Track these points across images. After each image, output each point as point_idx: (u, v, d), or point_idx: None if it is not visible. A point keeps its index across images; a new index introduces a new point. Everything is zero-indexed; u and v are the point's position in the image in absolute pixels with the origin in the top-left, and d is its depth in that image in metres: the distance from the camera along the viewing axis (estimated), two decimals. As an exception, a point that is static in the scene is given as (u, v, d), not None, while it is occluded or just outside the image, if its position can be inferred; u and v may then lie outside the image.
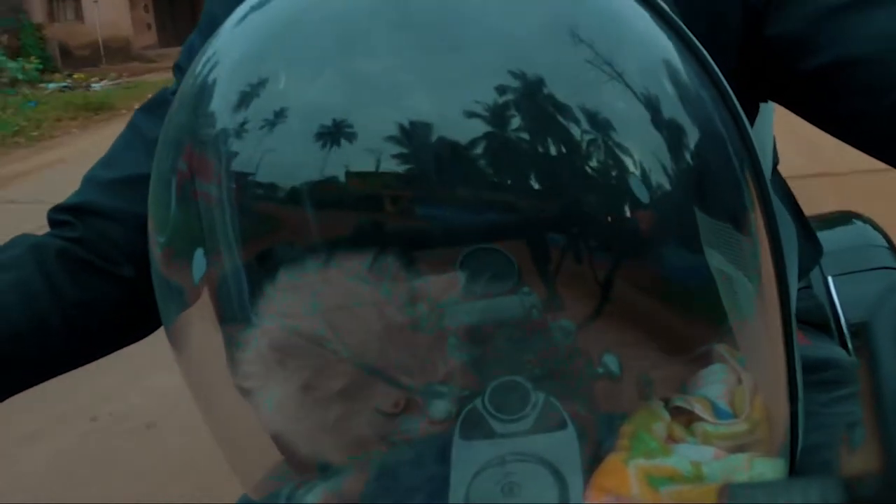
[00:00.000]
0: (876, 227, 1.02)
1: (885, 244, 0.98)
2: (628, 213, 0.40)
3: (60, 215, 0.64)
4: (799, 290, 0.84)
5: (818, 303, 0.77)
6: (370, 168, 0.38)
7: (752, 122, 0.59)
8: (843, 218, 1.05)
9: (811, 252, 0.75)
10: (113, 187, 0.64)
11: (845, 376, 0.67)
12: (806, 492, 0.22)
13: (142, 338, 0.66)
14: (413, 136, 0.38)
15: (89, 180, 0.66)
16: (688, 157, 0.40)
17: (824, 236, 0.98)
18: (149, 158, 0.47)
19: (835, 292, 0.90)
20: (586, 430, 0.39)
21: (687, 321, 0.43)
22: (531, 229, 0.39)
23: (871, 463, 0.18)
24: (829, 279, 0.91)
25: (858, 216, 1.05)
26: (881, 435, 0.18)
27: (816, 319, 0.76)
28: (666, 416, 0.40)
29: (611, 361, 0.41)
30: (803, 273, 0.75)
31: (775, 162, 0.72)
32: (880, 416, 0.18)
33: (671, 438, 0.39)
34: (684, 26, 0.41)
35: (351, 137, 0.39)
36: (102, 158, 0.68)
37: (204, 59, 0.44)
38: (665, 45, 0.41)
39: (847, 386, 0.65)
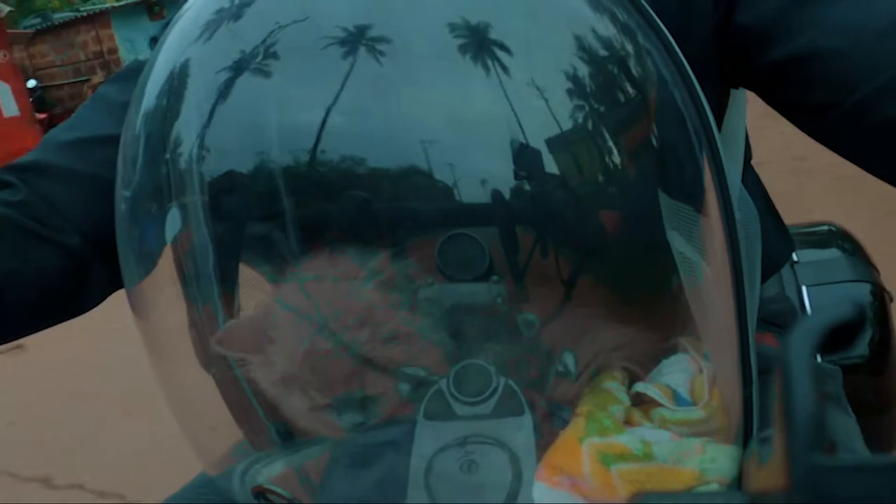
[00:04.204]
0: (852, 239, 1.03)
1: (860, 256, 0.99)
2: (594, 200, 0.41)
3: (6, 175, 0.60)
4: (772, 295, 0.84)
5: (791, 306, 0.78)
6: (346, 152, 0.39)
7: (723, 109, 0.59)
8: (821, 229, 1.06)
9: (783, 246, 0.75)
10: (72, 147, 0.61)
11: None
12: None
13: (86, 310, 0.62)
14: (391, 126, 0.39)
15: (47, 140, 0.62)
16: (652, 141, 0.40)
17: (802, 246, 0.99)
18: (114, 120, 0.46)
19: (808, 302, 0.90)
20: (542, 417, 0.40)
21: (652, 308, 0.43)
22: (498, 217, 0.40)
23: (777, 480, 0.19)
24: (804, 288, 0.92)
25: (836, 227, 1.06)
26: (788, 453, 0.18)
27: (789, 323, 0.76)
28: (625, 399, 0.40)
29: (569, 358, 0.42)
30: (775, 266, 0.75)
31: (749, 156, 0.72)
32: (789, 434, 0.18)
33: (629, 423, 0.40)
34: (648, 7, 0.42)
35: (328, 118, 0.39)
36: (65, 122, 0.65)
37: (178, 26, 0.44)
38: (627, 25, 0.41)
39: None
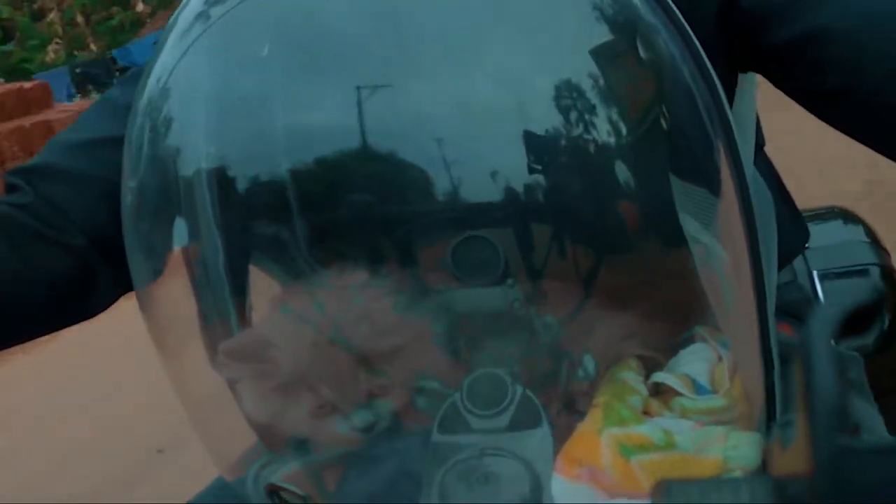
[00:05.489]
0: (862, 224, 1.02)
1: (870, 241, 0.98)
2: (609, 190, 0.40)
3: (13, 178, 0.59)
4: (786, 283, 0.83)
5: (805, 295, 0.77)
6: (353, 155, 0.38)
7: (732, 94, 0.58)
8: (831, 214, 1.05)
9: (798, 235, 0.74)
10: (77, 149, 0.60)
11: None
12: (737, 491, 0.23)
13: (93, 314, 0.61)
14: (402, 128, 0.38)
15: (53, 143, 0.63)
16: (663, 124, 0.40)
17: (812, 232, 0.98)
18: (118, 122, 0.46)
19: (819, 288, 0.90)
20: (560, 425, 0.39)
21: (667, 294, 0.42)
22: (513, 216, 0.39)
23: (801, 464, 0.19)
24: (815, 274, 0.91)
25: (846, 212, 1.05)
26: (811, 437, 0.18)
27: (804, 312, 0.75)
28: (643, 390, 0.39)
29: (589, 362, 0.41)
30: (791, 255, 0.74)
31: (761, 143, 0.71)
32: (811, 417, 0.18)
33: (647, 413, 0.39)
34: None
35: (336, 124, 0.39)
36: (71, 125, 0.64)
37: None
38: (640, 10, 0.41)
39: None
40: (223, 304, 0.44)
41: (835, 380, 0.18)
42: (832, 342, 0.19)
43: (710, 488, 0.23)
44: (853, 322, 0.21)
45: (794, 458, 0.20)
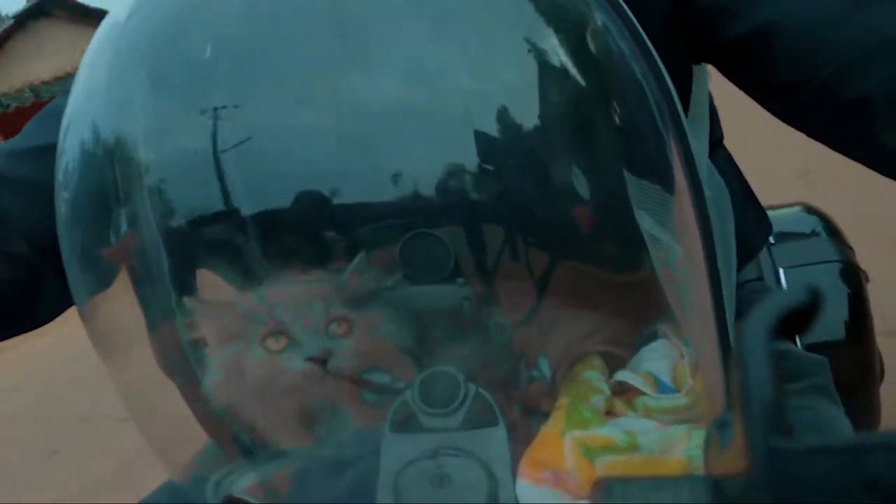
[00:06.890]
0: (826, 219, 1.03)
1: (834, 237, 0.99)
2: (563, 188, 0.39)
3: None
4: (752, 280, 0.84)
5: None
6: (300, 149, 0.38)
7: (687, 86, 0.58)
8: (796, 210, 1.06)
9: (761, 230, 0.74)
10: (20, 156, 0.59)
11: (798, 369, 0.66)
12: (677, 491, 0.23)
13: (41, 323, 0.59)
14: (347, 120, 0.37)
15: None
16: (615, 119, 0.39)
17: (777, 227, 0.99)
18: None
19: (785, 283, 0.90)
20: (518, 425, 0.38)
21: (625, 291, 0.42)
22: (463, 214, 0.38)
23: (738, 464, 0.19)
24: (781, 270, 0.92)
25: (810, 208, 1.06)
26: (747, 436, 0.18)
27: None
28: (605, 389, 0.39)
29: (543, 361, 0.40)
30: (753, 250, 0.74)
31: (719, 136, 0.71)
32: (746, 418, 0.18)
33: (611, 413, 0.38)
34: None
35: (281, 123, 0.38)
36: (16, 136, 0.62)
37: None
38: (588, 5, 0.40)
39: (800, 379, 0.65)
40: (169, 307, 0.43)
41: (769, 380, 0.19)
42: (769, 341, 0.19)
43: (651, 488, 0.23)
44: (794, 321, 0.21)
45: (731, 458, 0.20)
